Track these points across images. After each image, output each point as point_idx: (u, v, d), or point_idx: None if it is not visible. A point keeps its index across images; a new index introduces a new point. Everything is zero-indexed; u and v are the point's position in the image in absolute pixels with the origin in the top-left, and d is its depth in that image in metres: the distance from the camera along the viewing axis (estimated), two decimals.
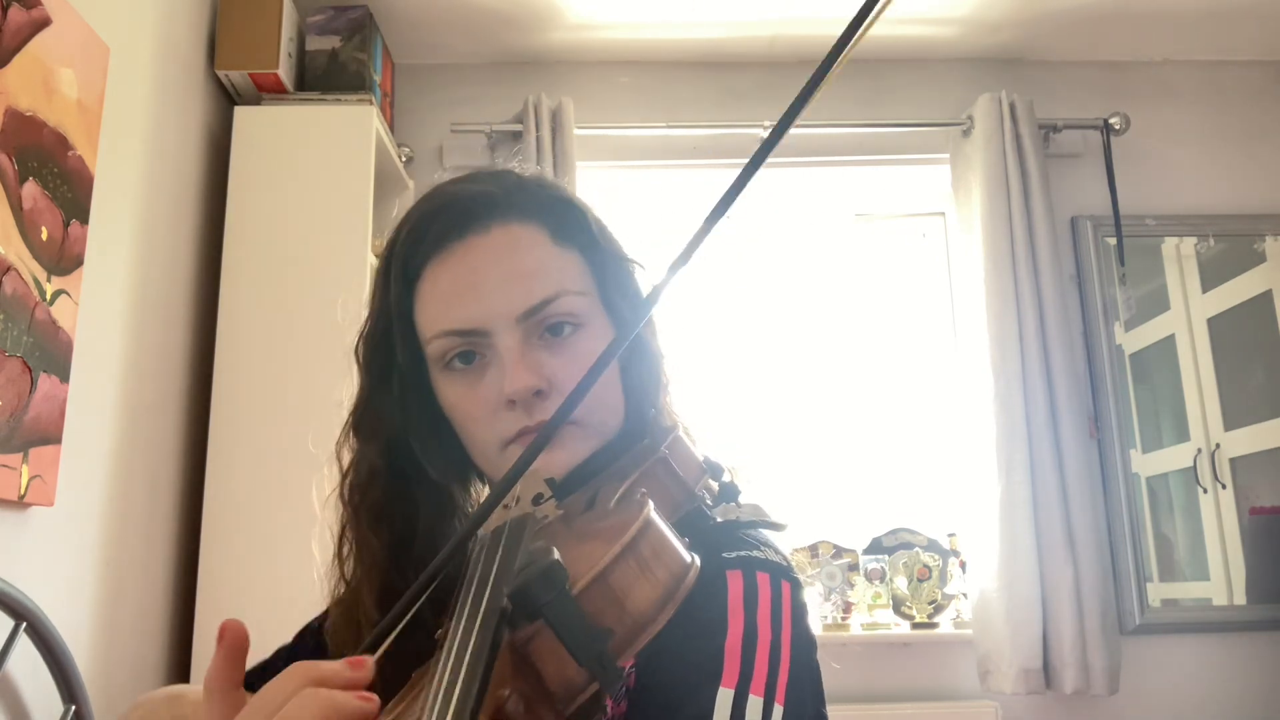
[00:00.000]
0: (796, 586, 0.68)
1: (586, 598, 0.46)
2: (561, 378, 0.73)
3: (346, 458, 0.81)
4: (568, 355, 0.73)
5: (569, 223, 0.78)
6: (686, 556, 0.52)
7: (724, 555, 0.66)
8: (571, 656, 0.44)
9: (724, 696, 0.59)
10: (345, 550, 0.80)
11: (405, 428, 0.78)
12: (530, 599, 0.44)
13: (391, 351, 0.78)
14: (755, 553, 0.68)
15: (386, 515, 0.78)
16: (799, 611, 0.67)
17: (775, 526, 0.73)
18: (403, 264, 0.76)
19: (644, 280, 0.82)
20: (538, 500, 0.58)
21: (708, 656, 0.61)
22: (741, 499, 0.73)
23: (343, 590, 0.80)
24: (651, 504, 0.53)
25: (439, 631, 0.58)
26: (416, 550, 0.77)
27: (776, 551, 0.70)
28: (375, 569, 0.77)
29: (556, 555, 0.45)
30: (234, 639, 0.49)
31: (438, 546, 0.76)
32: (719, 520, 0.71)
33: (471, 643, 0.43)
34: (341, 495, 0.80)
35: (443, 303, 0.74)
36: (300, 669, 0.45)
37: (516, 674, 0.45)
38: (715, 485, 0.73)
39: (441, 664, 0.42)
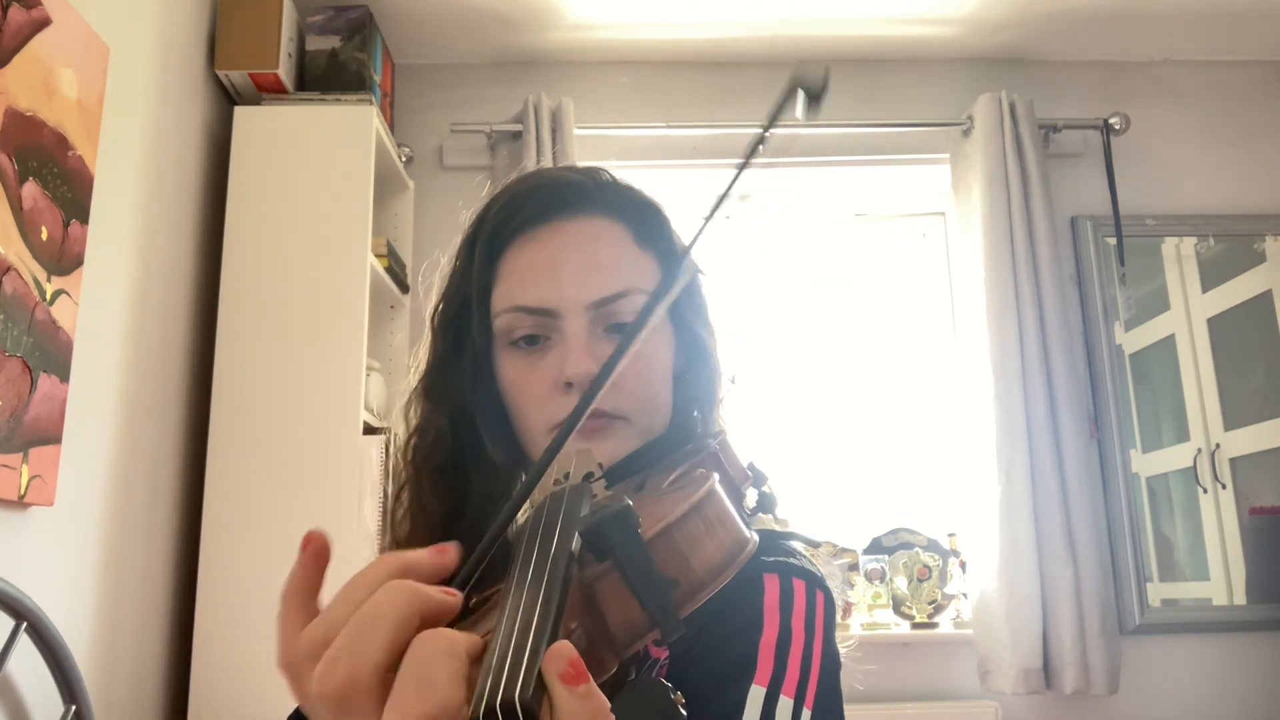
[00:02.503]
0: (830, 599, 0.68)
1: (655, 546, 0.47)
2: (620, 371, 0.73)
3: (413, 419, 0.82)
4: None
5: (651, 227, 0.81)
6: (746, 530, 0.53)
7: (762, 558, 0.67)
8: (636, 600, 0.45)
9: (755, 693, 0.60)
10: (399, 513, 0.81)
11: (474, 403, 0.79)
12: (603, 539, 0.45)
13: (467, 323, 0.79)
14: (792, 560, 0.68)
15: (447, 482, 0.79)
16: (830, 624, 0.67)
17: (809, 541, 0.74)
18: (489, 237, 0.78)
19: (711, 290, 0.85)
20: (589, 478, 0.59)
21: (742, 654, 0.61)
22: (777, 512, 0.74)
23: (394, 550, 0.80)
24: (716, 475, 0.54)
25: (472, 600, 0.58)
26: (465, 526, 0.77)
27: (813, 562, 0.70)
28: (431, 535, 0.77)
29: (629, 501, 0.46)
30: (318, 548, 0.48)
31: (486, 527, 0.76)
32: (754, 529, 0.71)
33: (545, 575, 0.44)
34: (405, 455, 0.81)
35: (520, 279, 0.76)
36: (386, 559, 0.44)
37: (583, 611, 0.46)
38: (754, 494, 0.74)
39: (513, 596, 0.43)
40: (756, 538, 0.53)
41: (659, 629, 0.45)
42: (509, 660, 0.36)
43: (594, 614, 0.46)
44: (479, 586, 0.58)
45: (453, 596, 0.41)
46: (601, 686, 0.43)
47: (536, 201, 0.78)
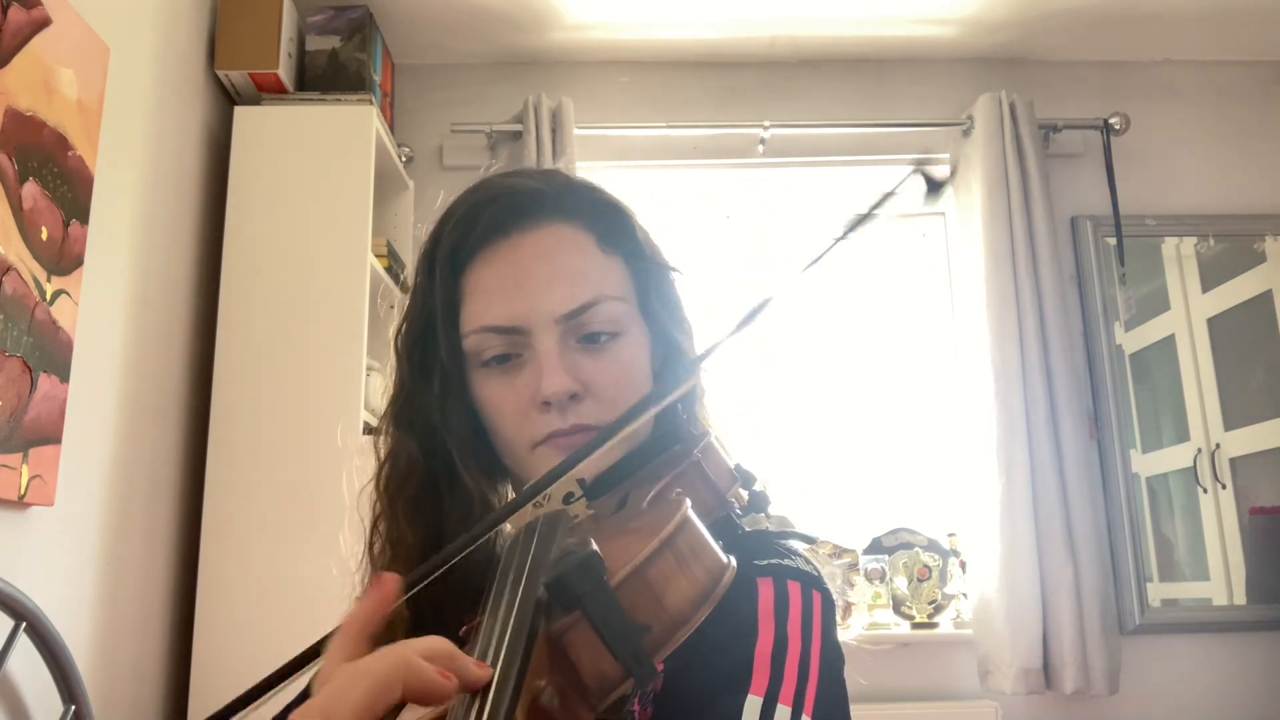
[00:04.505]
0: (827, 598, 0.67)
1: (624, 591, 0.46)
2: (598, 382, 0.72)
3: (384, 447, 0.80)
4: (605, 360, 0.73)
5: (615, 228, 0.78)
6: (723, 557, 0.52)
7: (755, 562, 0.65)
8: (608, 650, 0.44)
9: (752, 704, 0.58)
10: (378, 544, 0.78)
11: (445, 426, 0.76)
12: (568, 589, 0.44)
13: (433, 346, 0.77)
14: (786, 561, 0.67)
15: (424, 510, 0.76)
16: (829, 624, 0.66)
17: (805, 538, 0.72)
18: (449, 255, 0.76)
19: (683, 287, 0.82)
20: (568, 499, 0.57)
21: (737, 663, 0.60)
22: (770, 510, 0.73)
23: None
24: (689, 502, 0.52)
25: (463, 629, 0.57)
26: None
27: (808, 562, 0.69)
28: (409, 564, 0.75)
29: (594, 546, 0.45)
30: (390, 593, 0.48)
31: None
32: (748, 530, 0.71)
33: (509, 631, 0.42)
34: (378, 485, 0.79)
35: (485, 298, 0.74)
36: (344, 626, 0.45)
37: (553, 666, 0.44)
38: (745, 495, 0.72)
39: (480, 653, 0.42)
40: (734, 563, 0.52)
41: (633, 678, 0.44)
42: None
43: (564, 668, 0.45)
44: (471, 610, 0.57)
45: (448, 680, 0.40)
46: None
47: (494, 213, 0.75)
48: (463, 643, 0.56)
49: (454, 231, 0.76)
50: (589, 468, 0.68)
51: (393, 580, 0.48)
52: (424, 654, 0.40)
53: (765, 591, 0.64)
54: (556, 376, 0.70)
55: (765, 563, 0.66)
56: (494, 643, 0.42)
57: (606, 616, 0.43)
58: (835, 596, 0.68)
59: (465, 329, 0.75)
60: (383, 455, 0.79)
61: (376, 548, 0.78)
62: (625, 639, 0.43)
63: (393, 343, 0.81)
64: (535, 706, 0.42)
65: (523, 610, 0.44)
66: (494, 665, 0.40)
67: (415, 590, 0.50)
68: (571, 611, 0.44)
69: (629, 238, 0.79)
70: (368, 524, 0.79)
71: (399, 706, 0.39)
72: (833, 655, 0.65)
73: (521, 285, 0.73)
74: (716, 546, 0.52)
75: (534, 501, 0.58)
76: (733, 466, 0.72)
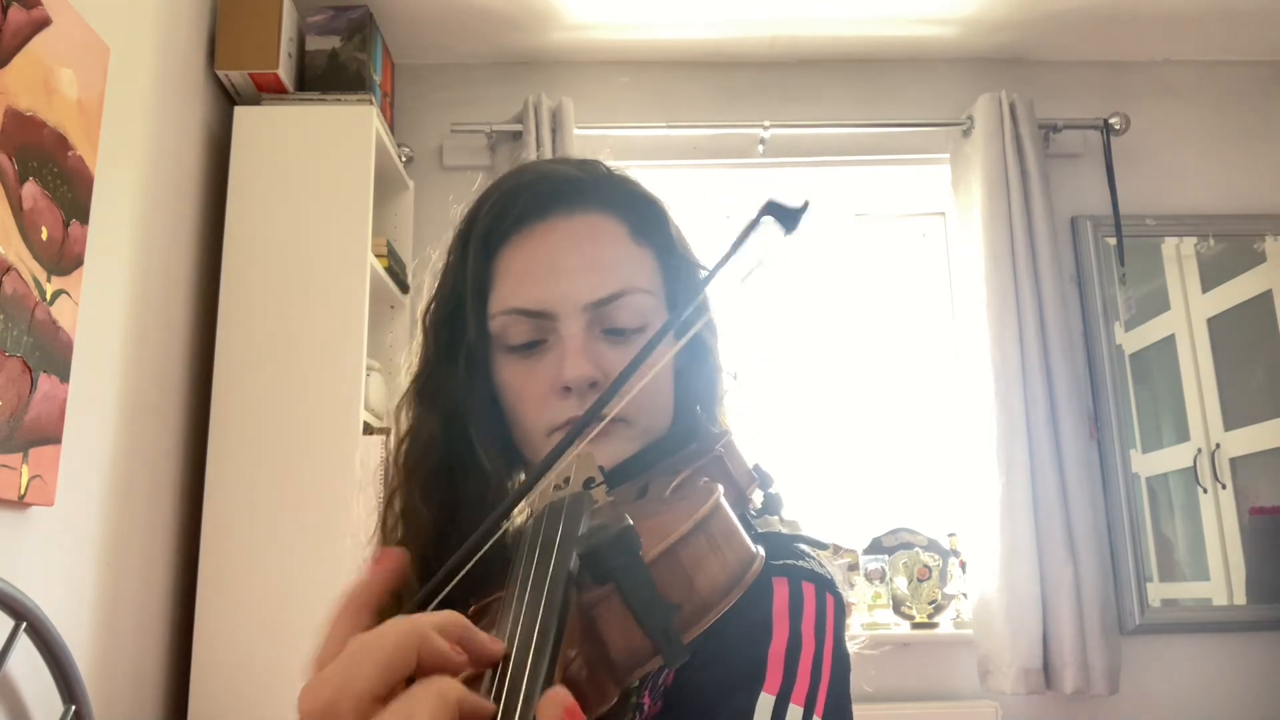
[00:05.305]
0: (840, 602, 0.67)
1: (658, 568, 0.46)
2: (619, 372, 0.72)
3: (404, 422, 0.80)
4: (628, 351, 0.73)
5: (649, 221, 0.79)
6: (753, 547, 0.52)
7: (770, 561, 0.65)
8: (638, 625, 0.44)
9: (765, 702, 0.58)
10: (390, 519, 0.78)
11: (467, 407, 0.77)
12: (603, 561, 0.44)
13: (461, 323, 0.77)
14: (801, 563, 0.67)
15: (440, 487, 0.76)
16: (840, 628, 0.66)
17: (816, 544, 0.72)
18: (484, 235, 0.76)
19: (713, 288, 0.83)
20: (589, 484, 0.57)
21: (750, 661, 0.60)
22: (784, 514, 0.73)
23: None
24: (721, 488, 0.53)
25: (470, 610, 0.57)
26: (456, 533, 0.75)
27: (821, 565, 0.69)
28: (419, 540, 0.75)
29: (630, 521, 0.45)
30: (395, 565, 0.47)
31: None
32: (760, 531, 0.70)
33: (542, 602, 0.42)
34: (396, 459, 0.79)
35: (515, 280, 0.74)
36: (345, 605, 0.44)
37: (583, 638, 0.45)
38: (759, 497, 0.72)
39: (511, 622, 0.42)
40: (763, 553, 0.52)
41: (662, 655, 0.44)
42: (502, 710, 0.36)
43: (594, 640, 0.45)
44: (479, 590, 0.57)
45: (460, 656, 0.40)
46: (601, 717, 0.42)
47: (531, 197, 0.75)
48: (472, 622, 0.57)
49: (490, 213, 0.76)
50: (603, 459, 0.68)
51: (397, 554, 0.47)
52: (437, 627, 0.40)
53: (780, 591, 0.64)
54: (578, 363, 0.71)
55: (780, 563, 0.66)
56: (523, 615, 0.42)
57: (639, 590, 0.44)
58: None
59: (493, 310, 0.75)
60: (403, 430, 0.80)
61: (390, 521, 0.79)
62: (657, 614, 0.44)
63: (420, 320, 0.81)
64: (564, 677, 0.42)
65: (555, 582, 0.44)
66: (528, 635, 0.40)
67: (438, 583, 0.50)
68: (604, 584, 0.44)
69: (662, 232, 0.79)
70: (383, 499, 0.80)
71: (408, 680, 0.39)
72: (842, 660, 0.65)
73: (552, 270, 0.73)
74: (746, 535, 0.52)
75: (555, 484, 0.58)
76: (751, 466, 0.72)
